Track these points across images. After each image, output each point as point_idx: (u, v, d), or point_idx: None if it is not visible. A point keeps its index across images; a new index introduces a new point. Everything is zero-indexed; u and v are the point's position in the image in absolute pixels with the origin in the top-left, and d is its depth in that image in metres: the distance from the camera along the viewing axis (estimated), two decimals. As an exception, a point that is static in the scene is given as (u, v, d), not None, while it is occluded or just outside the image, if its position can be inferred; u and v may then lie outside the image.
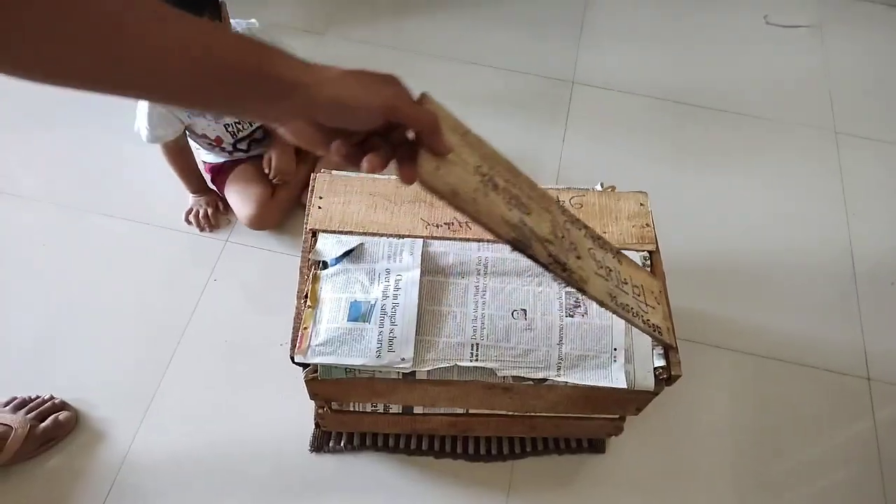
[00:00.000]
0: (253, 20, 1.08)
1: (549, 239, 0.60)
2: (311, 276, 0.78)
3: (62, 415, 0.95)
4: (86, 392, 1.00)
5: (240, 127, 1.12)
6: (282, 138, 1.14)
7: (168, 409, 0.99)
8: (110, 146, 1.27)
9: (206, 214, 1.18)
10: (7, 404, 0.95)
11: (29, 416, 0.92)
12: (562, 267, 0.60)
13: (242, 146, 1.15)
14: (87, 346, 1.04)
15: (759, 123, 1.43)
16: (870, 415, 1.06)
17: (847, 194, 1.32)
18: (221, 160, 1.19)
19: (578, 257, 0.63)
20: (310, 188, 0.85)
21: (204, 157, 1.21)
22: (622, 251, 0.74)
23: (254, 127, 1.14)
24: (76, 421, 0.97)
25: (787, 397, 1.07)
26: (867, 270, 1.22)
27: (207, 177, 1.21)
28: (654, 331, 0.70)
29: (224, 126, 1.10)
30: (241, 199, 1.16)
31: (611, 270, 0.68)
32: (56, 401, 0.96)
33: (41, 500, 0.91)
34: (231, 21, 1.01)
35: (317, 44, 1.47)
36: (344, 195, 0.84)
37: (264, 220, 1.16)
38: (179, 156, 1.13)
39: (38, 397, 0.96)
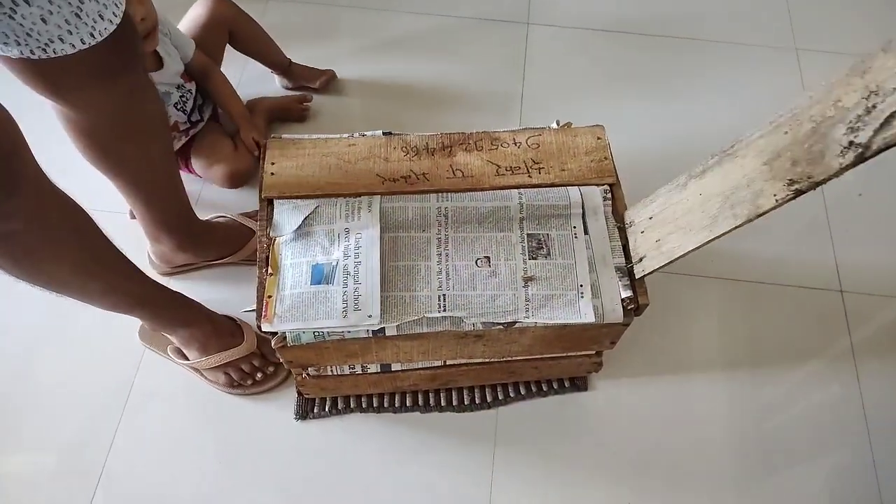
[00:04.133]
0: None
1: None
2: (269, 243, 0.77)
3: None
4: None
5: (185, 99, 1.08)
6: (242, 115, 1.16)
7: (150, 395, 0.99)
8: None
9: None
10: None
11: None
12: None
13: (195, 116, 1.12)
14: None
15: (718, 48, 1.41)
16: (845, 327, 1.07)
17: (811, 111, 1.31)
18: (180, 144, 1.15)
19: None
20: (262, 155, 0.83)
21: None
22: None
23: (194, 93, 1.11)
24: None
25: (767, 318, 1.08)
26: (834, 183, 1.20)
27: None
28: None
29: (174, 106, 1.07)
30: (211, 161, 1.13)
31: None
32: None
33: None
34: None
35: (262, 12, 1.42)
36: (296, 159, 0.82)
37: (240, 174, 1.14)
38: None
39: None
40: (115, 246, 0.78)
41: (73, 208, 0.71)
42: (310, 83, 1.29)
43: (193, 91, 1.11)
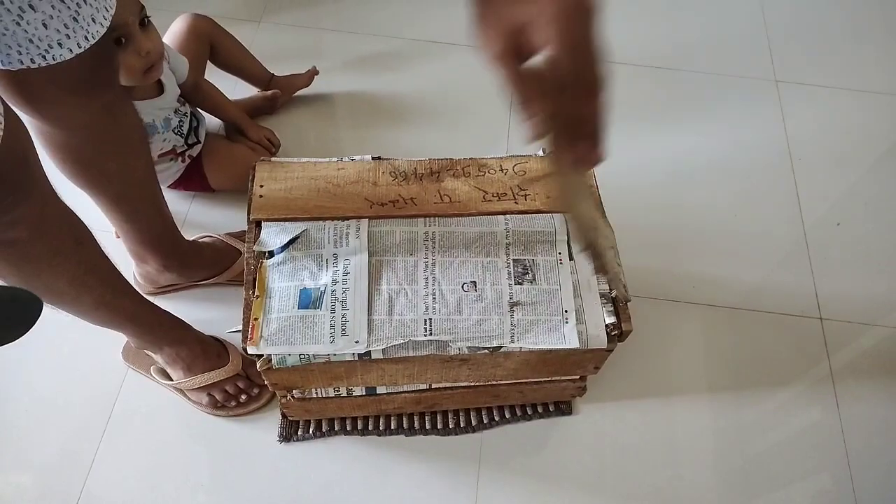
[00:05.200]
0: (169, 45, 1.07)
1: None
2: (257, 265, 0.77)
3: None
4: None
5: (182, 123, 1.09)
6: (241, 117, 1.19)
7: (134, 411, 0.98)
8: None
9: None
10: None
11: None
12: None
13: (192, 139, 1.13)
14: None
15: (700, 78, 1.45)
16: (824, 353, 1.09)
17: (791, 141, 1.35)
18: (176, 170, 1.15)
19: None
20: (250, 177, 0.83)
21: (165, 182, 1.15)
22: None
23: (189, 116, 1.12)
24: None
25: (748, 344, 1.09)
26: (814, 213, 1.25)
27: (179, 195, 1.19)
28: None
29: (173, 131, 1.08)
30: (235, 167, 1.14)
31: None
32: None
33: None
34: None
35: (254, 32, 1.44)
36: (285, 181, 0.83)
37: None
38: None
39: None
40: (111, 261, 0.79)
41: (75, 220, 0.72)
42: (293, 91, 1.32)
43: (189, 113, 1.12)
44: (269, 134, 1.22)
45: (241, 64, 1.26)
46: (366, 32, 1.47)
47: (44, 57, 0.59)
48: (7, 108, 0.58)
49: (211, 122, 1.22)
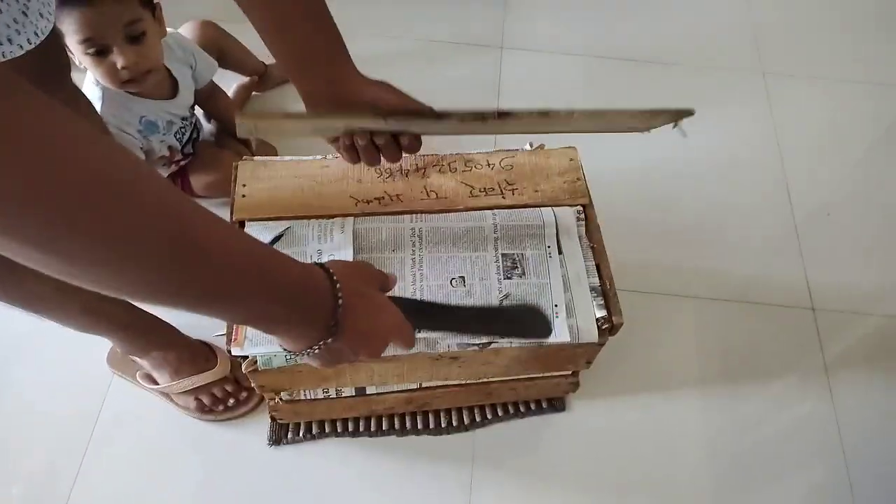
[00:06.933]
0: (172, 30, 1.06)
1: None
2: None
3: None
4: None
5: (184, 130, 1.09)
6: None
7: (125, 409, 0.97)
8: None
9: None
10: None
11: None
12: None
13: (188, 149, 1.12)
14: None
15: (688, 72, 1.44)
16: (817, 343, 1.09)
17: (778, 132, 1.34)
18: (168, 172, 1.14)
19: None
20: (233, 177, 0.82)
21: None
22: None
23: (191, 125, 1.11)
24: None
25: (740, 336, 1.09)
26: (803, 204, 1.24)
27: None
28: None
29: (174, 135, 1.07)
30: (218, 174, 1.13)
31: None
32: None
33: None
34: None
35: (240, 33, 1.42)
36: (268, 181, 0.81)
37: None
38: None
39: None
40: None
41: None
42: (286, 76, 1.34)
43: (193, 123, 1.12)
44: (273, 151, 1.23)
45: (242, 63, 1.29)
46: (353, 30, 1.45)
47: None
48: None
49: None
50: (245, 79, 1.32)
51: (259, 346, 0.71)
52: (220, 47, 1.22)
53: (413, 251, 0.77)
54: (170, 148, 1.08)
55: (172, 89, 1.05)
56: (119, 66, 0.91)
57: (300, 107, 0.74)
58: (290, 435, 0.95)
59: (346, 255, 0.75)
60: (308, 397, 0.87)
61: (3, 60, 0.57)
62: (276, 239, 0.76)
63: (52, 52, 0.65)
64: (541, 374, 0.89)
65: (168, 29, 1.03)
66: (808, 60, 1.47)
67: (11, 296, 0.69)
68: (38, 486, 0.91)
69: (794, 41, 1.51)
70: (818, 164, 1.30)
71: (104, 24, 0.87)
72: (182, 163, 1.14)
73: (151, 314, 0.91)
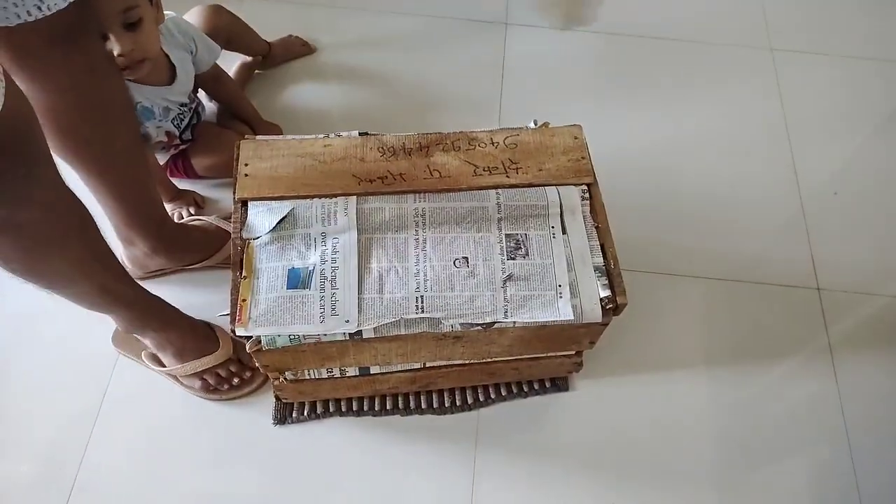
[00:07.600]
0: (172, 13, 1.04)
1: None
2: (244, 246, 0.75)
3: None
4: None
5: (182, 116, 1.08)
6: (254, 117, 1.19)
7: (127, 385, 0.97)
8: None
9: (188, 213, 1.14)
10: None
11: None
12: None
13: (186, 135, 1.11)
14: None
15: (694, 48, 1.42)
16: (822, 324, 1.08)
17: (786, 110, 1.33)
18: (168, 156, 1.14)
19: None
20: (235, 156, 0.81)
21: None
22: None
23: (191, 111, 1.10)
24: None
25: (745, 316, 1.09)
26: (810, 182, 1.23)
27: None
28: None
29: (171, 121, 1.06)
30: (221, 154, 1.11)
31: None
32: None
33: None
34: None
35: (236, 9, 1.41)
36: (271, 160, 0.81)
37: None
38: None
39: None
40: (108, 245, 0.78)
41: (82, 205, 0.72)
42: (293, 52, 1.34)
43: (193, 108, 1.11)
44: (278, 132, 1.22)
45: (249, 47, 1.27)
46: (356, 7, 1.44)
47: (39, 8, 0.60)
48: (9, 80, 0.57)
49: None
50: (248, 58, 1.30)
51: (263, 326, 0.71)
52: (230, 32, 1.19)
53: (417, 231, 0.77)
54: (167, 133, 1.07)
55: (170, 75, 1.03)
56: (115, 53, 0.89)
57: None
58: (294, 414, 0.95)
59: (351, 237, 0.75)
60: (312, 377, 0.87)
61: (48, 13, 0.61)
62: (280, 221, 0.76)
63: (86, 9, 0.68)
64: (544, 354, 0.89)
65: (168, 13, 1.01)
66: (817, 37, 1.45)
67: (34, 272, 0.70)
68: (48, 464, 0.92)
69: (804, 17, 1.49)
70: (826, 142, 1.29)
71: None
72: (182, 147, 1.13)
73: (155, 296, 0.91)
